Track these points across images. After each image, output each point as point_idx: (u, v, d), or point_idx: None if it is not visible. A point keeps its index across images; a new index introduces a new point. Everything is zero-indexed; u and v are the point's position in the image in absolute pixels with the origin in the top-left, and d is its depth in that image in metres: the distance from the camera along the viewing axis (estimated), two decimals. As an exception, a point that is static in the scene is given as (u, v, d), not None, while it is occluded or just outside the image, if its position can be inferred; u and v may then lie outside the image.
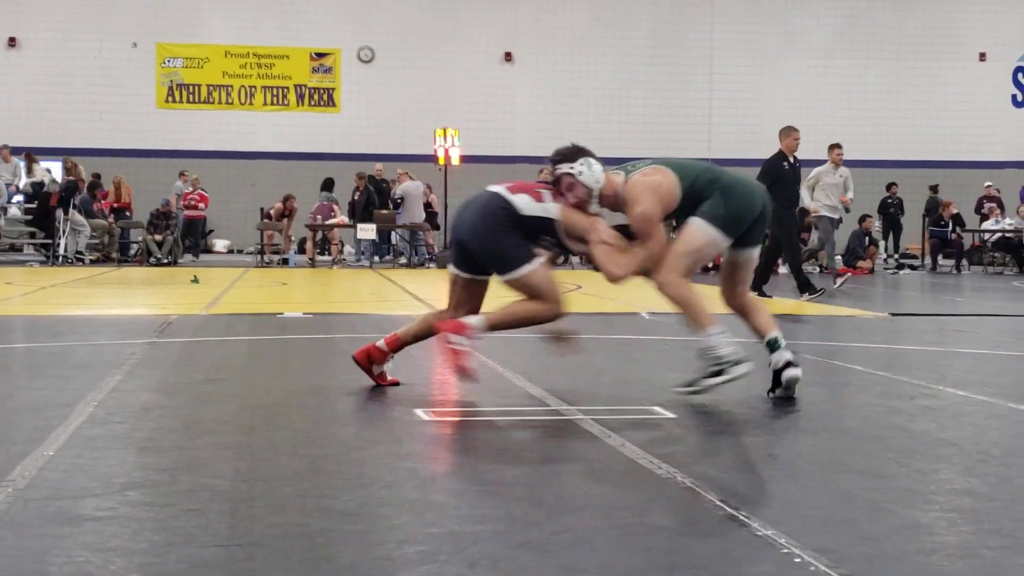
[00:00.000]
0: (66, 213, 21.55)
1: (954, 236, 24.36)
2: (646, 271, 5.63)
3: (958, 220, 24.56)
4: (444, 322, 5.76)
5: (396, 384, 6.05)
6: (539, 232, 5.71)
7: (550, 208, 5.67)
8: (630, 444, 4.53)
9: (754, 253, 5.88)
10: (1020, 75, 31.53)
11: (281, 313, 10.94)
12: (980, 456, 4.46)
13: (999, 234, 23.70)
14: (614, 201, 5.67)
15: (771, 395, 5.69)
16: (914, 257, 26.07)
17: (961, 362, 7.89)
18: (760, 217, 5.70)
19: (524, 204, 5.66)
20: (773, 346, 5.66)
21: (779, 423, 5.23)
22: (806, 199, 15.47)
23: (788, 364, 5.60)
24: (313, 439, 4.71)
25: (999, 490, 3.92)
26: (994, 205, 25.05)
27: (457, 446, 4.70)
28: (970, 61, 31.25)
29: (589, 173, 5.63)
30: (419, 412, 5.31)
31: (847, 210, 16.32)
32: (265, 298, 13.85)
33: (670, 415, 5.29)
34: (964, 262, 23.95)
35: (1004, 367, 7.79)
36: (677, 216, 5.73)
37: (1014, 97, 31.59)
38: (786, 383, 5.61)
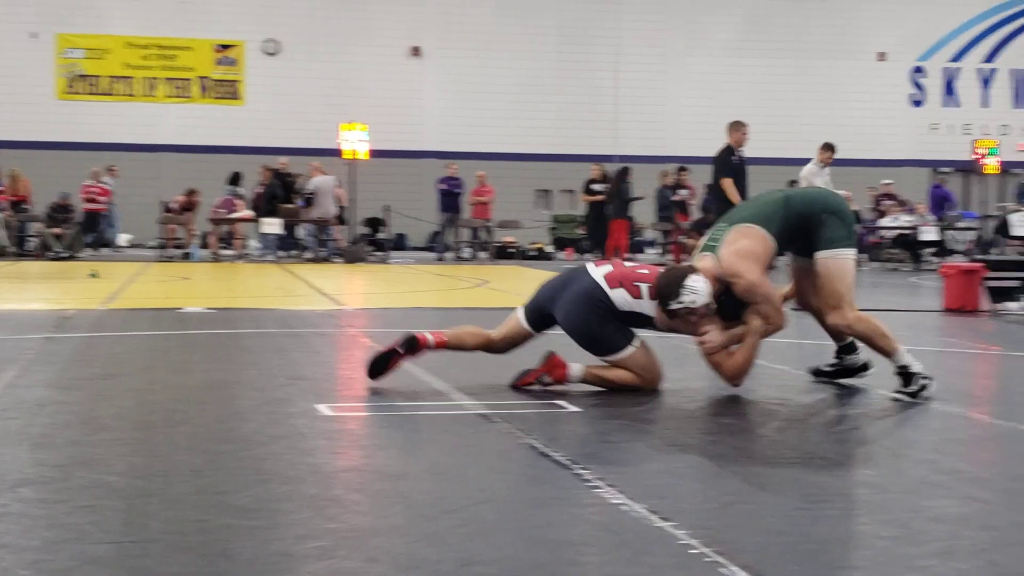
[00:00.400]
0: None
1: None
2: (768, 333, 5.81)
3: (857, 217, 24.99)
4: (553, 359, 5.83)
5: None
6: (635, 322, 5.82)
7: (645, 306, 5.71)
8: (534, 437, 4.55)
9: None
10: (918, 75, 32.22)
11: (182, 308, 10.78)
12: (875, 448, 4.55)
13: (897, 231, 24.17)
14: (720, 286, 5.69)
15: (822, 378, 6.25)
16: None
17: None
18: None
19: (621, 301, 5.73)
20: (854, 348, 6.16)
21: (685, 414, 5.27)
22: None
23: (865, 366, 6.19)
24: (213, 435, 4.65)
25: (893, 481, 4.00)
26: (893, 203, 25.54)
27: (359, 441, 4.68)
28: (869, 60, 31.85)
29: (700, 296, 5.57)
30: (322, 407, 5.27)
31: None
32: (166, 293, 13.64)
33: (575, 408, 5.32)
34: (863, 257, 24.39)
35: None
36: (789, 249, 5.99)
37: (912, 96, 32.29)
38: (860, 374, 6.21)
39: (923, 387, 5.68)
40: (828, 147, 16.55)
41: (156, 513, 3.39)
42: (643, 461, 4.28)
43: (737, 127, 14.88)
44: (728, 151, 14.71)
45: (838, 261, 5.74)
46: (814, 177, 16.38)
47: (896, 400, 5.74)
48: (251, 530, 3.24)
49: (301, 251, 23.50)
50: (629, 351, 5.78)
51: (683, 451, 4.51)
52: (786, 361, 7.31)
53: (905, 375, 5.73)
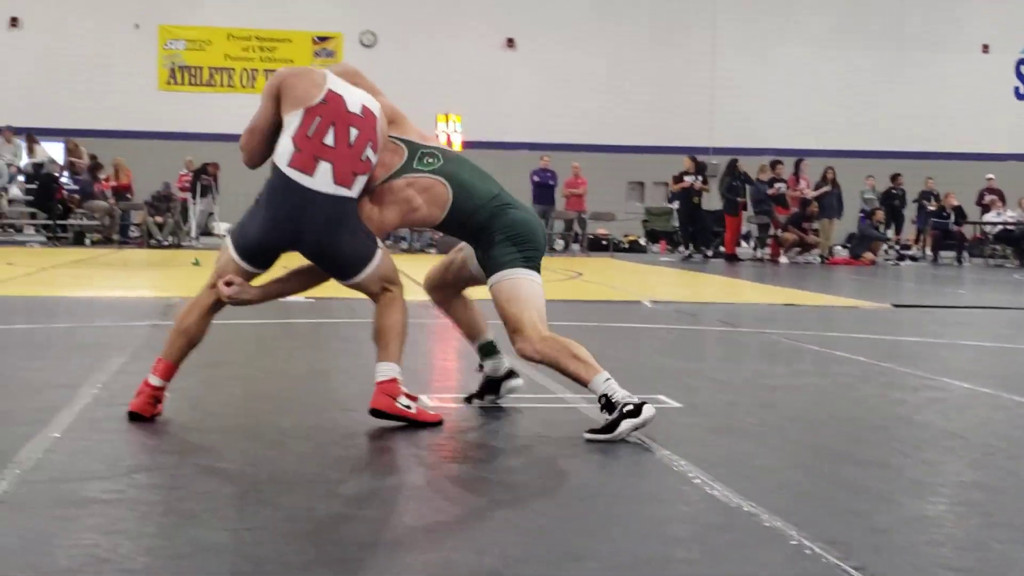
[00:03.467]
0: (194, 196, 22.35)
1: (955, 228, 24.34)
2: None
3: (959, 212, 24.54)
4: None
5: None
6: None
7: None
8: (637, 432, 4.53)
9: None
10: (1022, 67, 31.47)
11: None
12: (986, 448, 4.46)
13: (1000, 226, 23.68)
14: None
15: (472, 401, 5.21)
16: (908, 248, 26.02)
17: (964, 354, 7.90)
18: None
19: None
20: (489, 350, 5.17)
21: (784, 413, 5.21)
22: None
23: (511, 373, 5.12)
24: (319, 424, 4.70)
25: (1007, 482, 3.92)
26: (995, 197, 25.02)
27: (463, 432, 4.70)
28: (973, 52, 31.18)
29: None
30: (424, 398, 5.30)
31: None
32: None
33: (675, 404, 5.29)
34: (965, 254, 23.94)
35: (1007, 360, 7.79)
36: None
37: (1016, 89, 31.55)
38: (506, 391, 5.13)
39: (628, 413, 4.37)
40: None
41: (268, 500, 3.44)
42: (750, 459, 4.24)
43: None
44: None
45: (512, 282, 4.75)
46: None
47: (1005, 402, 5.61)
48: (361, 519, 3.27)
49: (396, 242, 23.67)
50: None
51: (792, 450, 4.46)
52: (891, 359, 7.20)
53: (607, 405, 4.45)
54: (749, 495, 3.56)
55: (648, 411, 4.38)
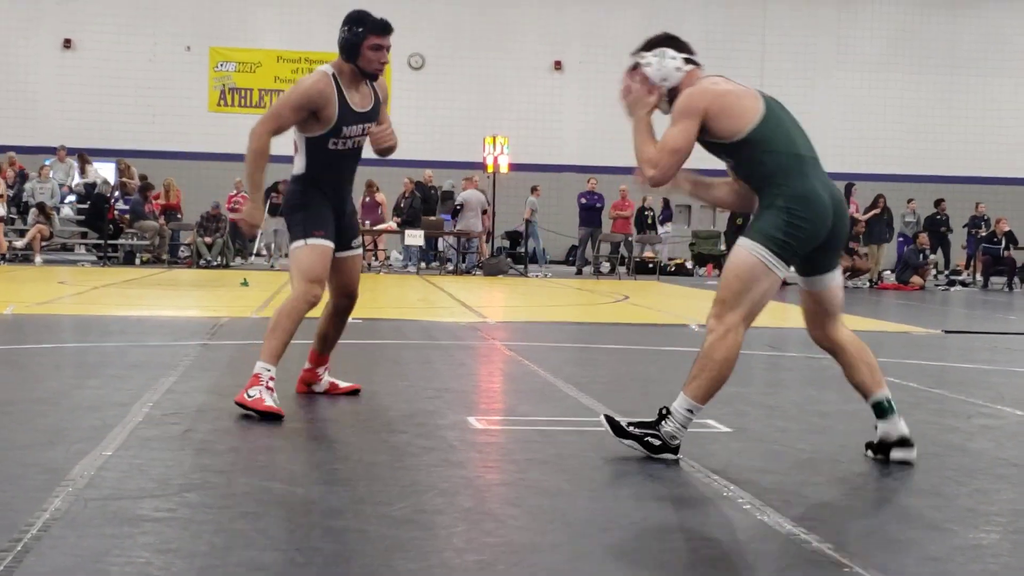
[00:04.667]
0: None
1: (1006, 253, 24.08)
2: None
3: (1011, 237, 24.28)
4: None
5: None
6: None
7: None
8: (685, 458, 4.51)
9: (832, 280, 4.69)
10: (1075, 91, 31.14)
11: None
12: (1042, 478, 4.40)
13: (1052, 252, 23.39)
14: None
15: (871, 455, 4.72)
16: (958, 273, 25.77)
17: (1017, 381, 7.79)
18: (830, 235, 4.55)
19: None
20: (880, 411, 4.67)
21: (836, 440, 5.17)
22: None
23: (903, 441, 4.60)
24: (367, 445, 4.71)
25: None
26: (1048, 222, 24.74)
27: (511, 455, 4.69)
28: (1023, 76, 30.94)
29: (656, 67, 4.71)
30: (472, 420, 5.31)
31: None
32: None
33: (725, 428, 5.26)
34: (1016, 280, 23.67)
35: (1061, 387, 7.68)
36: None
37: (1069, 113, 31.22)
38: (897, 462, 4.60)
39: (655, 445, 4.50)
40: None
41: (318, 522, 3.45)
42: (801, 486, 4.20)
43: None
44: None
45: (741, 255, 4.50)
46: None
47: (1061, 429, 5.52)
48: (410, 541, 3.27)
49: (443, 263, 23.73)
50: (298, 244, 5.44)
51: (844, 477, 4.42)
52: (941, 385, 7.12)
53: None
54: (800, 522, 3.53)
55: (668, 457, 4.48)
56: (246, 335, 9.14)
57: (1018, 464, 4.65)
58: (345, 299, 5.96)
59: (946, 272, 24.86)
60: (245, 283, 16.30)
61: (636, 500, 3.91)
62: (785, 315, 13.91)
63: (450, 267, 23.18)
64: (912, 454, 4.56)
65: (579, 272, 24.39)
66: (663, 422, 4.49)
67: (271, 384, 5.25)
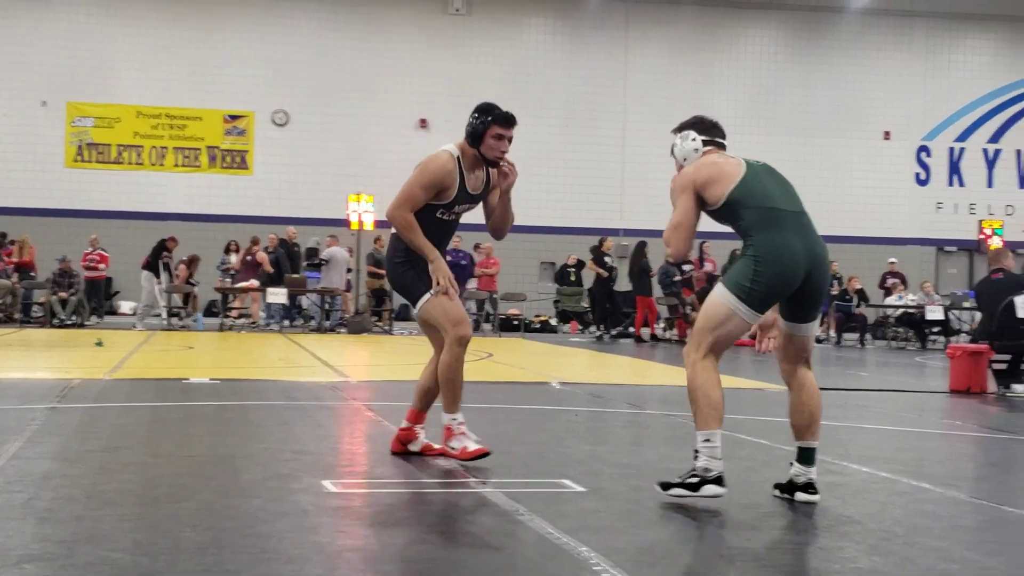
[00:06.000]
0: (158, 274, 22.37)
1: (858, 311, 24.83)
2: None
3: (862, 295, 25.05)
4: None
5: None
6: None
7: None
8: (539, 519, 4.52)
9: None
10: (923, 154, 32.40)
11: (187, 379, 10.77)
12: (884, 534, 4.52)
13: (902, 309, 24.19)
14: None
15: (778, 493, 5.19)
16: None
17: (864, 438, 8.01)
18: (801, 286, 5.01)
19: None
20: (804, 458, 5.11)
21: (687, 500, 5.23)
22: None
23: (808, 486, 5.07)
24: (217, 511, 4.63)
25: (903, 569, 3.96)
26: (897, 281, 25.59)
27: (365, 520, 4.65)
28: (875, 139, 32.06)
29: (679, 147, 5.44)
30: (327, 483, 5.25)
31: None
32: (171, 363, 13.64)
33: (579, 488, 5.29)
34: (868, 336, 24.39)
35: (906, 443, 7.92)
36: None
37: (917, 175, 32.43)
38: (801, 503, 5.06)
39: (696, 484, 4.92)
40: None
41: (161, 593, 3.37)
42: (653, 546, 4.25)
43: None
44: None
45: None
46: None
47: (903, 487, 5.70)
48: (256, 612, 3.22)
49: (306, 321, 23.50)
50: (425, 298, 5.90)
51: (695, 535, 4.48)
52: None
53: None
54: (648, 583, 3.57)
55: (708, 490, 4.88)
56: (97, 398, 8.93)
57: (860, 521, 4.77)
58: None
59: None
60: (100, 343, 15.92)
61: (487, 563, 3.91)
62: (647, 373, 14.10)
63: (313, 324, 22.97)
64: (816, 498, 5.04)
65: (444, 330, 24.36)
66: (695, 462, 4.90)
67: (463, 429, 5.90)
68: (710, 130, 5.41)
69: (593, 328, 23.98)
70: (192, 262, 23.14)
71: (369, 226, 24.75)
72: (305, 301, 23.81)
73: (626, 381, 12.52)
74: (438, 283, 5.88)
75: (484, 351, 17.07)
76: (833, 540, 4.41)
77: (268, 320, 23.29)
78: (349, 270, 23.82)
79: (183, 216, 28.54)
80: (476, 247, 24.86)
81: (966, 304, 23.01)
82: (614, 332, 23.16)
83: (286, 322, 23.30)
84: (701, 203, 5.12)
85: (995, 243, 28.17)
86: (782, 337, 5.20)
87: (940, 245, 32.35)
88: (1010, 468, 6.86)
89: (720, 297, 4.99)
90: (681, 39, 31.23)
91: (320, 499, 4.93)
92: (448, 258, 23.07)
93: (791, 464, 5.16)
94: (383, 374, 12.83)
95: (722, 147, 5.41)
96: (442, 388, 5.97)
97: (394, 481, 5.47)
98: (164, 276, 22.59)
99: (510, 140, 6.16)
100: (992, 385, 11.79)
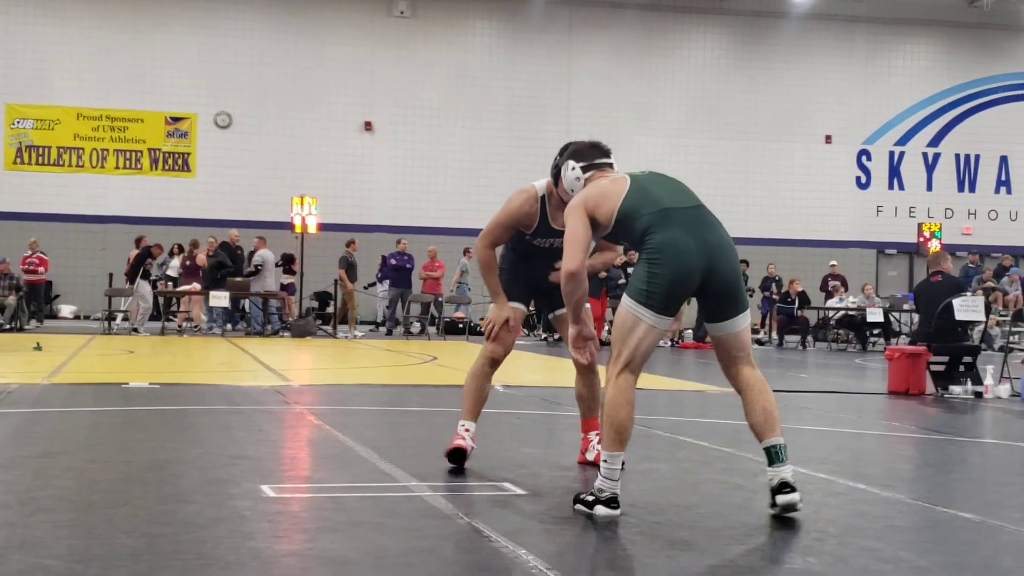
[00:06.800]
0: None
1: (799, 313, 25.07)
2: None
3: (803, 298, 25.28)
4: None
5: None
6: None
7: None
8: (478, 521, 4.53)
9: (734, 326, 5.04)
10: (864, 158, 32.77)
11: (126, 383, 10.67)
12: (818, 535, 4.57)
13: (843, 311, 24.44)
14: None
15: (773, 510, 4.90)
16: (755, 332, 26.70)
17: (802, 439, 8.08)
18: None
19: None
20: (768, 457, 4.95)
21: (624, 499, 5.26)
22: None
23: (782, 486, 4.85)
24: (154, 517, 4.59)
25: (836, 569, 4.01)
26: (838, 283, 25.86)
27: (302, 524, 4.63)
28: (816, 143, 32.37)
29: (565, 179, 5.59)
30: (265, 488, 5.22)
31: None
32: (110, 367, 13.50)
33: (520, 491, 5.30)
34: (809, 338, 24.63)
35: (844, 444, 8.01)
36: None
37: (858, 179, 32.79)
38: (782, 507, 4.85)
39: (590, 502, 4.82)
40: None
41: (93, 600, 3.34)
42: (588, 547, 4.26)
43: None
44: None
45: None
46: None
47: (839, 487, 5.76)
48: (190, 618, 3.20)
49: (248, 324, 23.35)
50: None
51: (628, 536, 4.50)
52: (732, 444, 7.34)
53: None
54: (585, 586, 3.58)
55: (599, 511, 4.76)
56: (35, 403, 8.82)
57: (795, 522, 4.81)
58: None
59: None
60: (38, 347, 15.73)
61: (424, 567, 3.91)
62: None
63: (256, 328, 22.83)
64: (795, 497, 4.84)
65: (389, 333, 24.34)
66: (597, 480, 4.83)
67: (461, 432, 6.15)
68: (588, 155, 5.49)
69: (539, 331, 24.02)
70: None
71: (312, 229, 24.65)
72: (248, 304, 23.65)
73: (570, 384, 12.52)
74: (488, 323, 6.28)
75: (428, 354, 17.05)
76: (768, 541, 4.45)
77: (210, 324, 23.11)
78: (295, 272, 23.70)
79: (125, 219, 28.28)
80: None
81: (906, 306, 23.31)
82: (559, 335, 23.23)
83: (228, 326, 23.12)
84: (595, 226, 5.08)
85: (934, 246, 28.61)
86: (715, 343, 5.09)
87: (880, 248, 32.74)
88: (946, 469, 6.95)
89: (624, 307, 4.95)
90: (625, 43, 31.38)
91: (258, 504, 4.90)
92: (392, 261, 22.92)
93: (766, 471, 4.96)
94: (325, 378, 12.77)
95: (608, 166, 5.43)
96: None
97: (333, 485, 5.45)
98: (143, 283, 22.40)
99: None
100: (930, 387, 11.95)
